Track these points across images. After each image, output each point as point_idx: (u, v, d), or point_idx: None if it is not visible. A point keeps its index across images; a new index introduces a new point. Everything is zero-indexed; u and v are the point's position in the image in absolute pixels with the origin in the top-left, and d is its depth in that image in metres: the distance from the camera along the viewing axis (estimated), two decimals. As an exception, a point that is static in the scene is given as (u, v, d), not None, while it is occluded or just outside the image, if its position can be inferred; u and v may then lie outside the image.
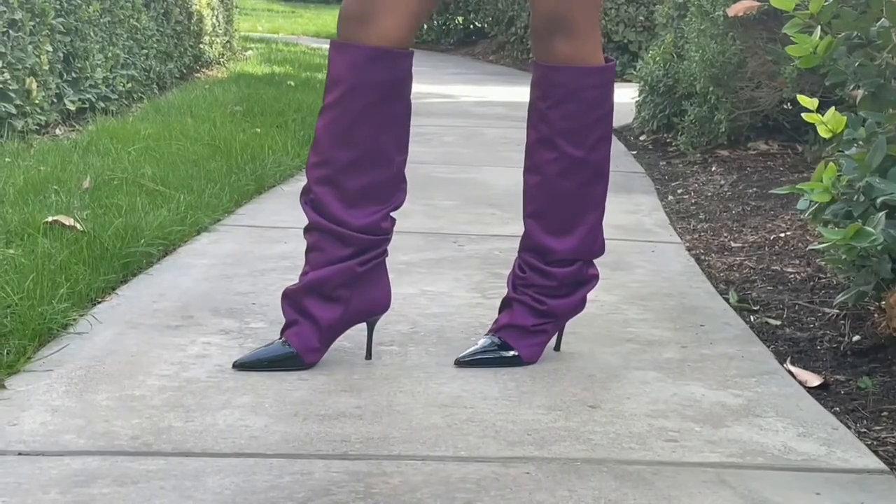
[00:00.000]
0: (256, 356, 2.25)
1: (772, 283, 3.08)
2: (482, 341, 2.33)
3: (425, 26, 14.96)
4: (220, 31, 9.89)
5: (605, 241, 2.38)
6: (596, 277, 2.37)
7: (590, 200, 2.30)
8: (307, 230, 2.24)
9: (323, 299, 2.22)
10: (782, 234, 3.63)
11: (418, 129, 6.25)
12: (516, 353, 2.31)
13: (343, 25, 2.19)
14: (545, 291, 2.31)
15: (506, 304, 2.36)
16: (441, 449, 1.88)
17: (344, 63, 2.17)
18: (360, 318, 2.27)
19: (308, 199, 2.22)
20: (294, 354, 2.23)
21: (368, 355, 2.33)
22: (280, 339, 2.27)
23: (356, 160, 2.20)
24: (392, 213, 2.28)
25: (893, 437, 2.05)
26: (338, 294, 2.22)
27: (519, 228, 2.41)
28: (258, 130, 5.28)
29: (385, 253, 2.28)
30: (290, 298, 2.25)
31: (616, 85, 2.34)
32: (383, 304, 2.29)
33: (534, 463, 1.84)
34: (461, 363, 2.29)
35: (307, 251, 2.25)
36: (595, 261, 2.38)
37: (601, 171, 2.30)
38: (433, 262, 3.17)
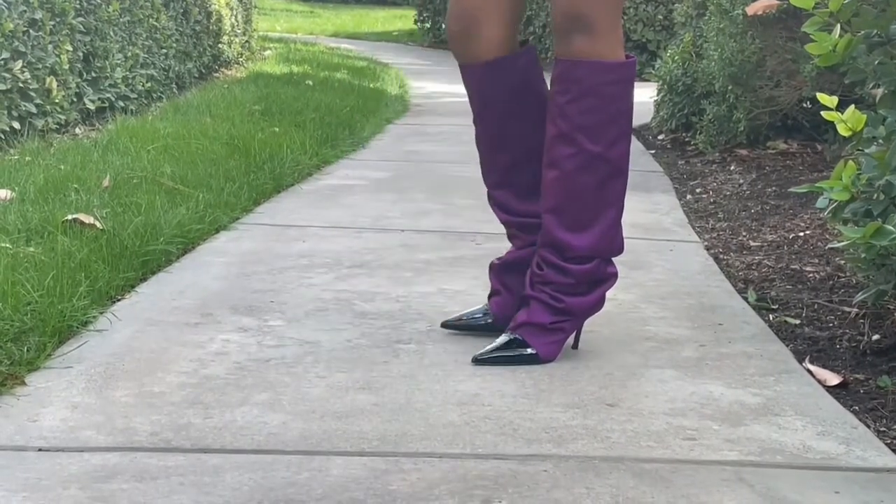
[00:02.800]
0: (458, 316, 2.51)
1: (791, 282, 3.07)
2: (500, 339, 2.34)
3: (443, 26, 14.96)
4: (239, 31, 9.92)
5: (625, 240, 2.38)
6: (614, 276, 2.37)
7: (608, 197, 2.30)
8: (504, 224, 2.48)
9: (521, 275, 2.39)
10: (801, 233, 3.61)
11: (435, 128, 6.27)
12: (534, 352, 2.31)
13: (452, 45, 2.37)
14: (562, 289, 2.31)
15: (523, 302, 2.36)
16: (459, 446, 1.89)
17: (469, 82, 2.40)
18: None
19: (494, 204, 2.48)
20: (491, 322, 2.44)
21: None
22: (484, 304, 2.50)
23: (515, 161, 2.40)
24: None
25: (913, 436, 2.04)
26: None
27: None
28: (277, 130, 5.29)
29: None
30: (495, 271, 2.48)
31: (635, 84, 2.33)
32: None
33: (551, 461, 1.84)
34: (479, 360, 2.30)
35: (508, 238, 2.48)
36: (614, 259, 2.37)
37: (620, 167, 2.29)
38: (451, 261, 3.17)
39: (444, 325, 2.50)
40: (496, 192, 2.45)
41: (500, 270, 2.47)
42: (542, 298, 2.32)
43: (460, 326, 2.48)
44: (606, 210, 2.30)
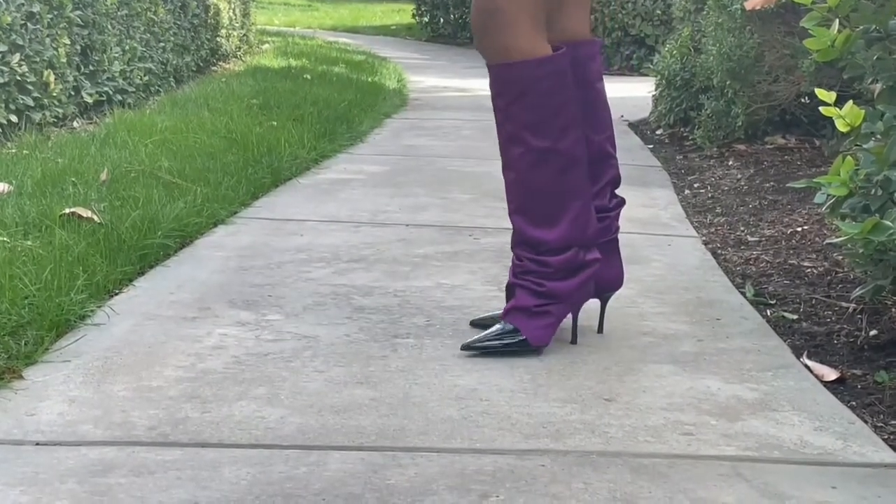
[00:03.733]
0: (479, 319, 2.51)
1: (788, 278, 3.07)
2: (493, 327, 2.35)
3: (441, 20, 14.95)
4: (237, 25, 9.91)
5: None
6: (596, 261, 2.37)
7: (570, 188, 2.31)
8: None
9: None
10: (799, 229, 3.62)
11: (435, 122, 6.27)
12: (524, 337, 2.31)
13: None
14: (543, 275, 2.33)
15: (510, 291, 2.38)
16: (457, 441, 1.89)
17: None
18: (595, 293, 2.42)
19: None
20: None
21: (600, 329, 2.48)
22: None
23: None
24: (608, 192, 2.42)
25: (910, 431, 2.04)
26: None
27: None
28: (275, 124, 5.29)
29: (611, 231, 2.43)
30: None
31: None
32: (614, 282, 2.48)
33: (549, 455, 1.84)
34: (468, 347, 2.31)
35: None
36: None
37: (574, 157, 2.30)
38: (449, 255, 3.17)
39: (473, 323, 2.52)
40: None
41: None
42: (525, 285, 2.34)
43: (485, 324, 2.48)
44: (571, 201, 2.31)
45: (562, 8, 2.37)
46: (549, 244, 2.31)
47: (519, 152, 2.28)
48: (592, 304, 2.45)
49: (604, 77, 2.47)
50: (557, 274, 2.33)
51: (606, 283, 2.46)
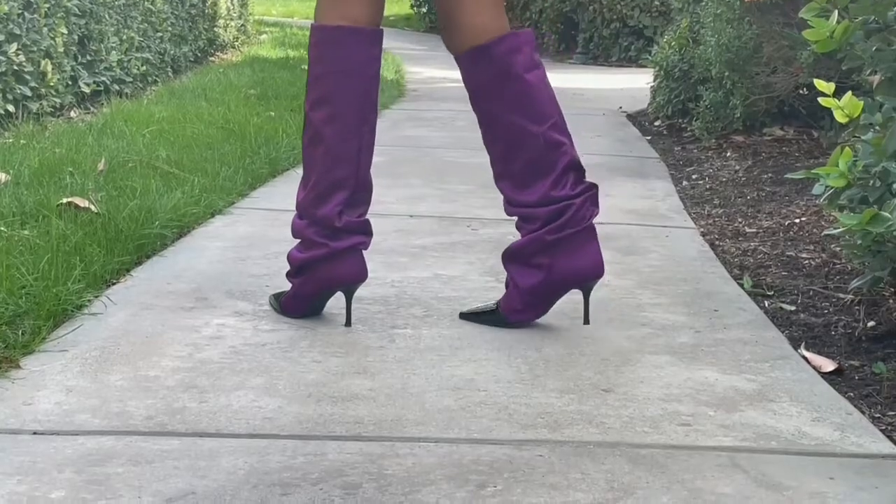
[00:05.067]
0: (470, 309, 2.52)
1: (786, 269, 3.07)
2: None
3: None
4: (235, 15, 9.89)
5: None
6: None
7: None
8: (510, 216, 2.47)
9: (523, 266, 2.41)
10: (797, 220, 3.62)
11: (431, 113, 6.26)
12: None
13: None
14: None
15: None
16: (454, 431, 1.89)
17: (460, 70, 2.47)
18: (566, 284, 2.40)
19: (503, 200, 2.45)
20: (495, 311, 2.46)
21: (586, 320, 2.44)
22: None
23: (506, 148, 2.39)
24: (569, 179, 2.37)
25: (908, 422, 2.04)
26: (537, 261, 2.39)
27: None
28: (272, 114, 5.28)
29: (582, 220, 2.37)
30: (503, 263, 2.47)
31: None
32: (589, 272, 2.40)
33: (547, 446, 1.84)
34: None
35: (517, 228, 2.46)
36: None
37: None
38: (447, 246, 3.17)
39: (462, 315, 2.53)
40: (500, 184, 2.44)
41: (506, 261, 2.48)
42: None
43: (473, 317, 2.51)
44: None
45: (461, 6, 2.36)
46: (297, 205, 2.42)
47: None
48: (578, 296, 2.44)
49: (542, 64, 2.42)
50: (297, 238, 2.43)
51: (583, 272, 2.39)
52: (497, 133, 2.40)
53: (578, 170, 2.39)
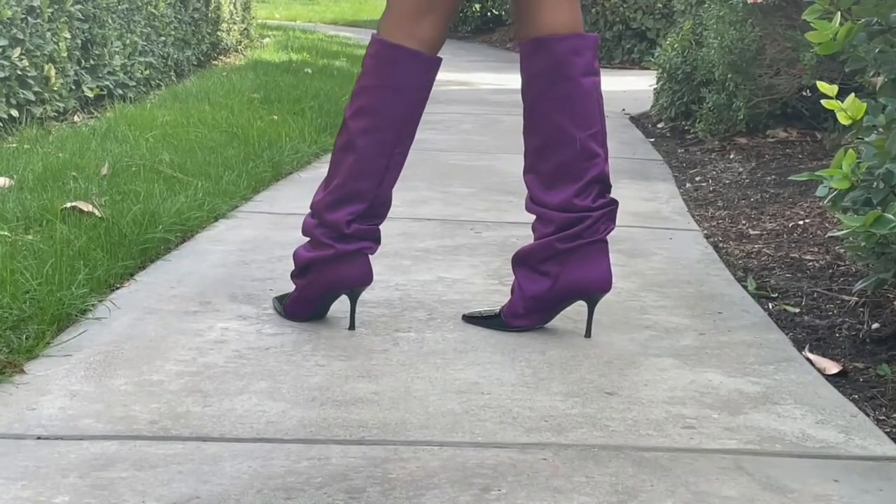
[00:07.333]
0: (472, 312, 2.51)
1: (790, 271, 3.06)
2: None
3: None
4: (238, 19, 9.90)
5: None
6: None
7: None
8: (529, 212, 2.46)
9: (530, 271, 2.41)
10: (801, 222, 3.61)
11: (436, 116, 6.26)
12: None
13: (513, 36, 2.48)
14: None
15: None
16: (458, 435, 1.89)
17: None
18: (572, 295, 2.39)
19: (527, 195, 2.43)
20: (497, 315, 2.46)
21: (588, 333, 2.42)
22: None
23: (543, 144, 2.37)
24: (593, 191, 2.35)
25: (912, 424, 2.04)
26: (545, 269, 2.38)
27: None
28: (275, 118, 5.29)
29: (596, 233, 2.35)
30: (512, 266, 2.47)
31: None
32: (596, 285, 2.37)
33: (551, 449, 1.84)
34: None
35: (532, 229, 2.45)
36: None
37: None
38: (450, 249, 3.17)
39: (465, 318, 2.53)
40: (525, 177, 2.42)
41: (514, 264, 2.47)
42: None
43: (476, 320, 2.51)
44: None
45: (539, 1, 2.35)
46: (312, 204, 2.41)
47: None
48: (583, 308, 2.43)
49: (600, 73, 2.43)
50: (306, 236, 2.43)
51: (589, 284, 2.37)
52: (538, 126, 2.38)
53: (605, 184, 2.37)
